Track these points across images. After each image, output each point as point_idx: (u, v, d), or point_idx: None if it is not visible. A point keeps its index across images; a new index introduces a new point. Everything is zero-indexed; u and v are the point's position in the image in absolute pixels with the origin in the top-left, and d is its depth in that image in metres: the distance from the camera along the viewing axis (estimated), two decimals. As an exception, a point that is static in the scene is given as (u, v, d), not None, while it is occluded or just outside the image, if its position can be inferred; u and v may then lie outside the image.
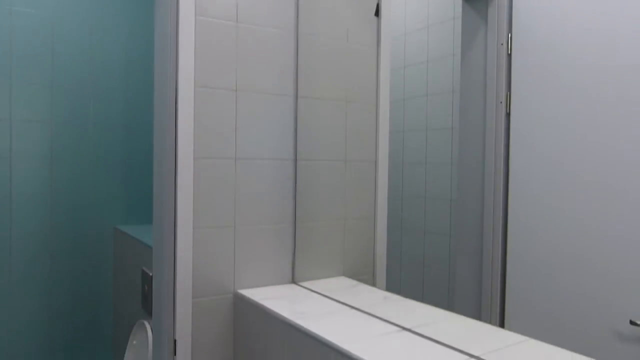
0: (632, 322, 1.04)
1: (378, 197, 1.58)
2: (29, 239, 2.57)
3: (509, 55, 1.31)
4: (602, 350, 1.08)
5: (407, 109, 1.69)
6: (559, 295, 1.19)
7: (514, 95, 1.30)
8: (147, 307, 2.04)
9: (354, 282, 1.50)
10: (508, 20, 1.31)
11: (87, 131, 2.72)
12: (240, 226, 1.38)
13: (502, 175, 1.31)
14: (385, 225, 1.59)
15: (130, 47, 2.83)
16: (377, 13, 1.57)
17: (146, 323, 1.98)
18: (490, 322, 1.31)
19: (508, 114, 1.31)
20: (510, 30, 1.31)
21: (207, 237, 1.33)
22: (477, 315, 1.35)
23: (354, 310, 1.21)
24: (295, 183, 1.47)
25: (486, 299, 1.34)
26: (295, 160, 1.47)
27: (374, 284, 1.56)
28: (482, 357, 0.92)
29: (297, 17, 1.46)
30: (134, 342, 2.10)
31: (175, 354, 1.29)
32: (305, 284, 1.45)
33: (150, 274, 1.98)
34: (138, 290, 2.23)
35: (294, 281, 1.47)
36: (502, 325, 1.31)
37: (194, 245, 1.31)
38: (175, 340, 1.29)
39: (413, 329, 1.06)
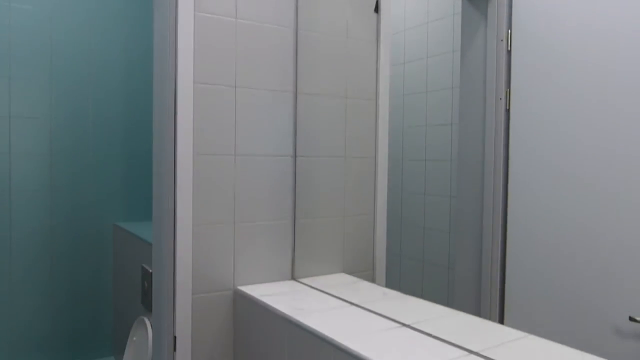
0: (631, 319, 1.04)
1: (377, 193, 1.58)
2: (28, 237, 2.57)
3: (509, 52, 1.31)
4: (601, 346, 1.08)
5: (406, 105, 1.69)
6: (559, 291, 1.20)
7: (514, 92, 1.30)
8: (147, 303, 2.04)
9: (354, 278, 1.50)
10: (508, 16, 1.31)
11: (86, 127, 2.71)
12: (239, 222, 1.38)
13: (501, 172, 1.31)
14: (385, 222, 1.59)
15: (130, 43, 2.82)
16: (377, 9, 1.57)
17: (146, 319, 1.98)
18: (489, 319, 1.31)
19: (508, 110, 1.31)
20: (510, 26, 1.31)
21: (207, 233, 1.33)
22: (477, 312, 1.35)
23: (353, 307, 1.22)
24: (295, 179, 1.47)
25: (486, 295, 1.34)
26: (295, 156, 1.47)
27: (373, 280, 1.57)
28: (481, 353, 0.92)
29: (297, 13, 1.46)
30: (134, 338, 2.10)
31: (175, 350, 1.30)
32: (304, 280, 1.45)
33: (150, 271, 1.98)
34: (138, 287, 2.23)
35: (293, 277, 1.47)
36: (501, 321, 1.31)
37: (194, 242, 1.31)
38: (175, 337, 1.29)
39: (412, 325, 1.07)
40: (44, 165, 2.60)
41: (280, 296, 1.30)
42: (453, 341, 0.97)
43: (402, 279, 1.68)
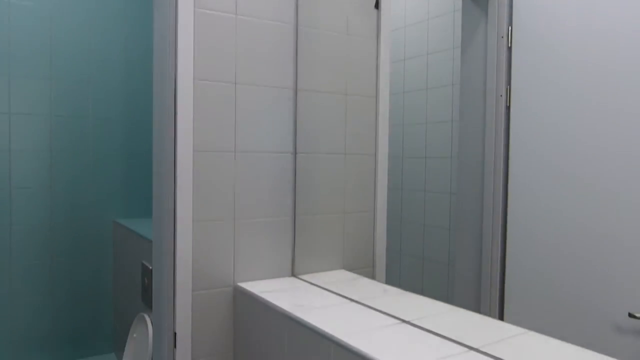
0: (630, 315, 1.04)
1: (378, 190, 1.58)
2: (28, 234, 2.57)
3: (509, 49, 1.31)
4: (601, 343, 1.09)
5: (406, 101, 1.69)
6: (558, 287, 1.20)
7: (514, 89, 1.30)
8: (147, 300, 2.05)
9: (354, 275, 1.50)
10: (508, 13, 1.31)
11: (86, 124, 2.71)
12: (240, 219, 1.38)
13: (502, 169, 1.31)
14: (385, 219, 1.59)
15: (130, 40, 2.82)
16: (377, 5, 1.57)
17: (146, 316, 1.98)
18: (489, 315, 1.31)
19: (508, 107, 1.31)
20: (510, 23, 1.30)
21: (207, 230, 1.33)
22: (477, 308, 1.35)
23: (353, 303, 1.22)
24: (295, 176, 1.47)
25: (485, 291, 1.35)
26: (295, 153, 1.47)
27: (373, 277, 1.57)
28: (481, 349, 0.92)
29: (297, 9, 1.46)
30: (134, 335, 2.10)
31: (175, 347, 1.30)
32: (305, 277, 1.45)
33: (150, 267, 1.99)
34: (138, 284, 2.23)
35: (293, 274, 1.47)
36: (501, 317, 1.31)
37: (194, 238, 1.31)
38: (175, 333, 1.30)
39: (412, 322, 1.07)
40: (44, 163, 2.60)
41: (281, 293, 1.30)
42: (453, 337, 0.98)
43: (402, 275, 1.68)
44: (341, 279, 1.46)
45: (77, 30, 2.67)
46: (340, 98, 1.53)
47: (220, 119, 1.34)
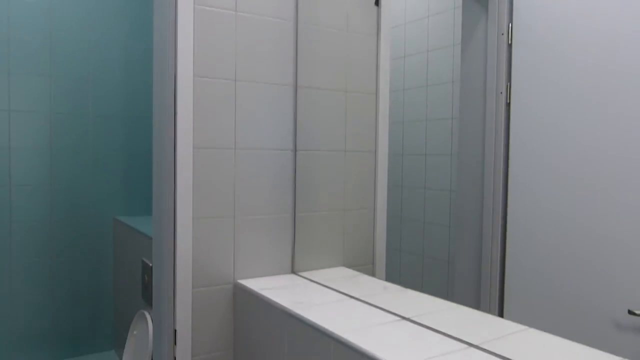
0: (630, 312, 1.04)
1: (378, 187, 1.58)
2: (28, 232, 2.57)
3: (510, 46, 1.30)
4: (600, 340, 1.09)
5: (406, 99, 1.69)
6: (558, 284, 1.20)
7: (514, 86, 1.30)
8: (147, 297, 2.05)
9: (354, 272, 1.50)
10: (509, 10, 1.31)
11: (86, 121, 2.71)
12: (239, 216, 1.38)
13: (501, 166, 1.31)
14: (385, 216, 1.59)
15: (130, 37, 2.81)
16: (377, 2, 1.56)
17: (146, 313, 1.99)
18: (489, 312, 1.31)
19: (508, 104, 1.31)
20: (510, 20, 1.30)
21: (207, 227, 1.33)
22: (477, 305, 1.36)
23: (353, 300, 1.22)
24: (295, 173, 1.47)
25: (485, 288, 1.35)
26: (295, 150, 1.47)
27: (373, 274, 1.57)
28: (481, 345, 0.92)
29: (297, 6, 1.45)
30: (135, 332, 2.11)
31: (175, 344, 1.30)
32: (305, 274, 1.45)
33: (150, 265, 1.99)
34: (138, 281, 2.24)
35: (293, 271, 1.47)
36: (501, 314, 1.31)
37: (194, 236, 1.31)
38: (175, 330, 1.30)
39: (412, 319, 1.07)
40: (44, 160, 2.60)
41: (281, 290, 1.31)
42: (453, 334, 0.98)
43: (402, 272, 1.69)
44: (341, 276, 1.46)
45: (77, 27, 2.66)
46: (340, 95, 1.53)
47: (220, 116, 1.34)
